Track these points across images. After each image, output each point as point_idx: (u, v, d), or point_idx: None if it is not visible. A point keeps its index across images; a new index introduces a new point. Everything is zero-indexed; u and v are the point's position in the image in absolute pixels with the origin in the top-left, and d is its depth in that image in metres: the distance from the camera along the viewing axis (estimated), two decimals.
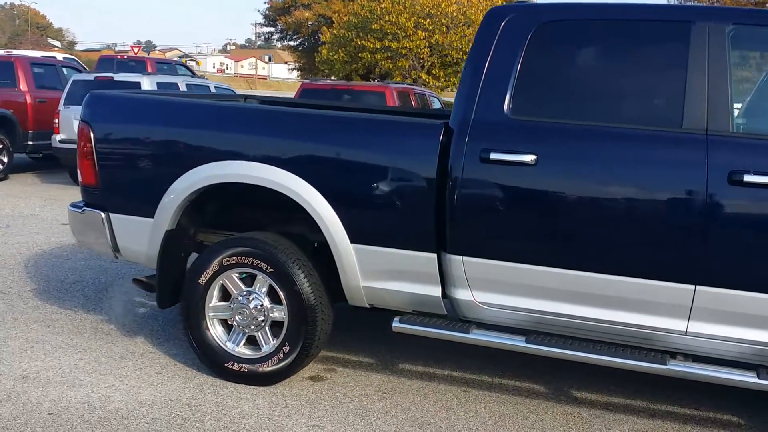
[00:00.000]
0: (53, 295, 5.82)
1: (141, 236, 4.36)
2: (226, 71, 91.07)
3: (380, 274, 3.93)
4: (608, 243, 3.51)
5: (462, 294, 3.80)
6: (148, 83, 11.99)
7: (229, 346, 4.22)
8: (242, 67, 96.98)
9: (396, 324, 3.92)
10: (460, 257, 3.75)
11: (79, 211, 4.53)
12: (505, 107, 3.68)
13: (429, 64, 27.40)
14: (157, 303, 4.45)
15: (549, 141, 3.60)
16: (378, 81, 22.86)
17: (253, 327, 4.18)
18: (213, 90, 14.24)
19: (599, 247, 3.53)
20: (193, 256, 4.54)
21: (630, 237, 3.47)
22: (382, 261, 3.90)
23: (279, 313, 4.13)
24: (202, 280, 4.21)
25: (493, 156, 3.61)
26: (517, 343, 3.72)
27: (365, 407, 3.97)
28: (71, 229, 4.66)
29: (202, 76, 21.78)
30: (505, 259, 3.68)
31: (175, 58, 39.98)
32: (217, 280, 4.20)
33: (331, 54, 28.83)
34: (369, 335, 4.96)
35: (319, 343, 4.13)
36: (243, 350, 4.22)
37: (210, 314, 4.25)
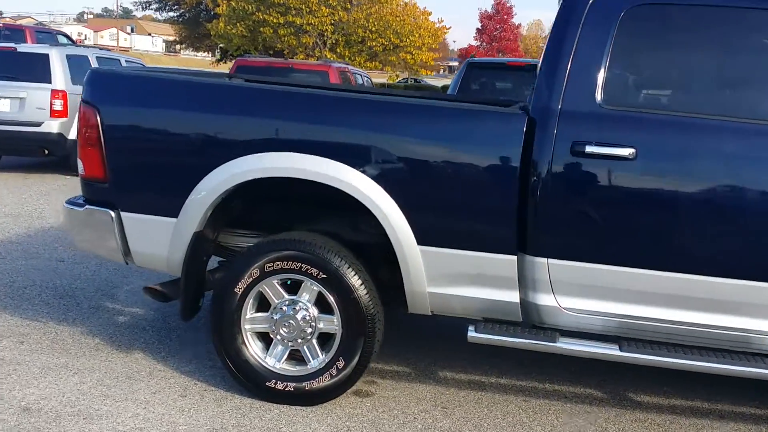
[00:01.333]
0: (6, 303, 5.15)
1: (160, 239, 3.82)
2: (85, 42, 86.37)
3: (450, 278, 3.60)
4: (714, 244, 3.35)
5: (544, 299, 3.54)
6: (57, 56, 10.98)
7: (270, 363, 3.77)
8: (102, 37, 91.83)
9: (472, 334, 3.59)
10: (544, 259, 3.47)
11: (80, 209, 3.94)
12: (597, 96, 3.44)
13: (333, 41, 26.94)
14: (180, 315, 3.92)
15: (649, 134, 3.39)
16: (320, 59, 22.12)
17: (300, 340, 3.76)
18: (124, 64, 13.31)
19: (704, 249, 3.36)
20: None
21: (738, 237, 3.36)
22: (454, 264, 3.57)
23: (329, 324, 3.73)
24: (239, 288, 3.73)
25: (589, 149, 3.35)
26: (611, 351, 3.50)
27: (434, 426, 3.64)
28: (68, 229, 4.06)
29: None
30: (596, 261, 3.43)
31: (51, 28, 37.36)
32: (255, 288, 3.74)
33: (228, 28, 27.76)
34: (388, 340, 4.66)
35: (374, 356, 3.80)
36: (286, 367, 3.79)
37: (247, 327, 3.79)
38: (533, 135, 3.44)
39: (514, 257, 3.51)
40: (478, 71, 10.14)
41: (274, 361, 3.79)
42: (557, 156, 3.39)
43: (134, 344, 4.50)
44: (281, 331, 3.75)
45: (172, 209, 3.75)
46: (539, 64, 3.59)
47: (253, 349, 3.79)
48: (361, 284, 3.65)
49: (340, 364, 3.71)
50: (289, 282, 3.75)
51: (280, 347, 3.80)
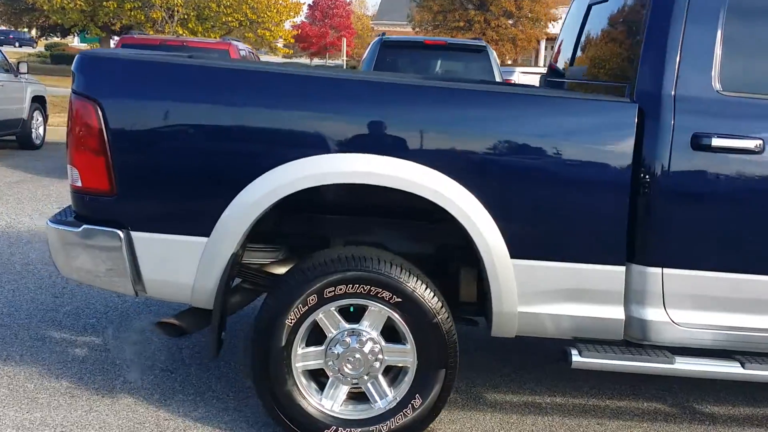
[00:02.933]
0: None
1: (184, 263, 3.08)
2: None
3: (545, 296, 3.12)
4: None
5: (653, 314, 3.13)
6: None
7: (327, 406, 3.17)
8: None
9: (577, 359, 3.13)
10: (659, 270, 3.08)
11: (75, 229, 3.13)
12: (714, 82, 3.10)
13: (183, 16, 25.58)
14: (211, 351, 3.25)
15: None
16: (223, 38, 20.69)
17: (366, 377, 3.17)
18: None
19: None
20: None
21: None
22: (551, 280, 3.10)
23: (400, 356, 3.16)
24: (291, 320, 3.08)
25: (714, 142, 3.01)
26: (732, 369, 3.19)
27: None
28: (54, 255, 3.25)
29: None
30: (716, 269, 3.09)
31: None
32: (310, 317, 3.11)
33: (65, 2, 25.67)
34: None
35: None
36: (347, 410, 3.20)
37: (298, 365, 3.16)
38: (643, 127, 3.06)
39: (623, 268, 3.11)
40: (392, 50, 9.65)
41: (331, 403, 3.18)
42: (676, 150, 3.01)
43: (114, 386, 3.73)
44: (345, 368, 3.14)
45: (202, 226, 3.04)
46: (641, 42, 3.17)
47: (307, 391, 3.19)
48: (441, 307, 3.13)
49: (417, 402, 3.16)
50: (352, 309, 3.19)
51: (338, 387, 3.22)
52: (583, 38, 4.04)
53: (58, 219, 3.19)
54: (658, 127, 3.01)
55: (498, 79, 8.55)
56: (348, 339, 3.12)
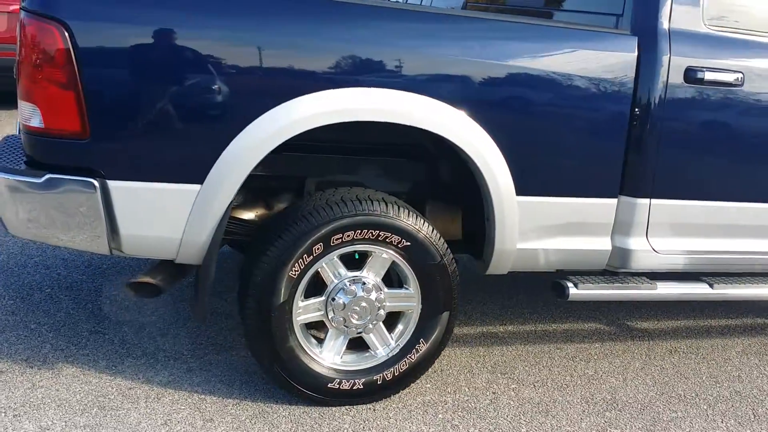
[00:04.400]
0: None
1: (172, 215, 2.70)
2: None
3: (542, 231, 3.14)
4: None
5: (637, 243, 3.25)
6: None
7: (328, 360, 2.99)
8: None
9: (574, 291, 3.20)
10: (647, 200, 3.21)
11: (36, 180, 2.61)
12: (702, 18, 3.18)
13: None
14: (196, 315, 2.88)
15: (754, 58, 3.25)
16: None
17: (371, 326, 3.05)
18: None
19: None
20: None
21: None
22: (550, 215, 3.11)
23: (404, 301, 3.05)
24: (295, 271, 2.83)
25: (706, 75, 3.11)
26: (705, 290, 3.42)
27: (519, 397, 3.31)
28: (5, 213, 2.68)
29: None
30: (697, 198, 3.27)
31: None
32: (313, 268, 2.89)
33: None
34: None
35: None
36: (348, 360, 3.05)
37: (299, 319, 2.95)
38: (640, 61, 3.11)
39: (615, 201, 3.21)
40: None
41: (332, 356, 3.02)
42: (671, 84, 3.10)
43: (45, 355, 3.22)
44: (352, 318, 2.99)
45: (194, 172, 2.67)
46: None
47: (307, 346, 2.98)
48: (447, 248, 3.05)
49: (421, 346, 3.08)
50: (357, 256, 3.01)
51: (338, 338, 3.04)
52: None
53: (10, 168, 2.66)
54: (656, 61, 3.08)
55: None
56: (354, 287, 2.96)
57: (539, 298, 4.32)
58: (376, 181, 3.27)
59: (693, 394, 3.41)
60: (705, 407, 3.31)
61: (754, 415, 3.28)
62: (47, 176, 2.58)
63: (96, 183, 2.60)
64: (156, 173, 2.67)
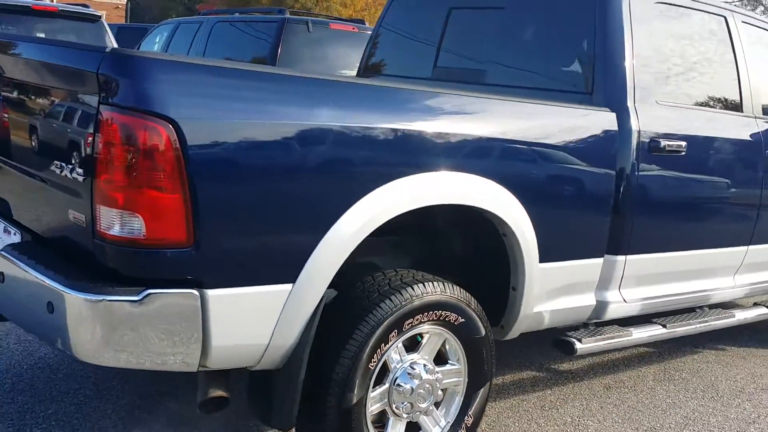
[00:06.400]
0: None
1: (263, 319, 2.54)
2: None
3: (548, 294, 3.41)
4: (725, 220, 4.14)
5: (612, 296, 3.66)
6: None
7: None
8: None
9: (580, 346, 3.54)
10: (623, 257, 3.63)
11: (134, 297, 2.29)
12: (653, 92, 3.70)
13: None
14: (279, 423, 2.70)
15: (693, 128, 3.88)
16: None
17: (431, 407, 3.06)
18: None
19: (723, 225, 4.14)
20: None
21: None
22: (558, 278, 3.41)
23: (455, 377, 3.13)
24: (373, 362, 2.79)
25: (664, 143, 3.59)
26: (661, 331, 3.93)
27: None
28: (78, 337, 2.24)
29: None
30: (661, 250, 3.79)
31: None
32: (384, 357, 2.87)
33: None
34: None
35: None
36: None
37: (370, 412, 2.89)
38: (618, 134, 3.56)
39: (602, 259, 3.61)
40: None
41: None
42: (641, 152, 3.58)
43: None
44: (418, 403, 2.99)
45: (286, 271, 2.55)
46: (598, 57, 3.62)
47: None
48: (484, 321, 3.20)
49: (469, 420, 3.20)
50: (419, 338, 3.01)
51: (396, 426, 3.03)
52: (453, 43, 4.35)
53: (88, 286, 2.31)
54: (628, 134, 3.57)
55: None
56: (418, 371, 2.99)
57: None
58: (381, 259, 3.35)
59: (657, 425, 3.93)
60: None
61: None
62: (147, 292, 2.33)
63: (197, 294, 2.41)
64: (252, 276, 2.51)
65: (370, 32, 8.90)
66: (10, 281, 2.60)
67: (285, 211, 2.54)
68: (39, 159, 2.74)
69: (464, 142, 2.98)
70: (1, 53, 2.93)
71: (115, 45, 8.25)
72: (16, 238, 2.87)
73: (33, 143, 2.77)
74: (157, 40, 10.77)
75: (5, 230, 2.98)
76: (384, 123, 2.75)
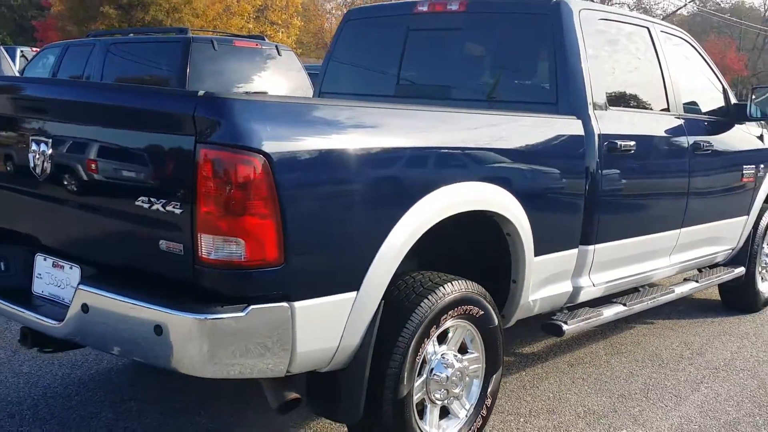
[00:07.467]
0: None
1: (335, 324, 2.87)
2: None
3: (539, 284, 3.90)
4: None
5: (584, 281, 4.20)
6: None
7: None
8: None
9: (567, 328, 4.04)
10: (592, 246, 4.14)
11: (241, 314, 2.54)
12: (603, 97, 4.25)
13: None
14: (348, 418, 2.98)
15: (639, 129, 4.46)
16: None
17: (462, 392, 3.47)
18: None
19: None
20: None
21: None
22: (547, 269, 3.90)
23: (476, 364, 3.54)
24: (419, 356, 3.17)
25: (619, 143, 4.15)
26: (622, 308, 4.52)
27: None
28: (200, 354, 2.45)
29: None
30: (622, 237, 4.36)
31: None
32: (424, 350, 3.24)
33: None
34: None
35: None
36: (445, 426, 3.44)
37: (414, 401, 3.25)
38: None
39: (577, 250, 4.12)
40: None
41: (431, 429, 3.38)
42: (602, 153, 4.11)
43: None
44: (453, 389, 3.39)
45: (353, 281, 2.90)
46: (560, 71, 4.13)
47: (421, 424, 3.30)
48: (495, 311, 3.63)
49: (489, 401, 3.60)
50: (449, 332, 3.40)
51: (432, 411, 3.40)
52: (414, 62, 4.76)
53: (196, 307, 2.55)
54: (591, 136, 4.09)
55: None
56: (450, 360, 3.38)
57: None
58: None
59: (625, 392, 4.50)
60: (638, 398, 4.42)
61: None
62: (250, 308, 2.61)
63: (288, 306, 2.70)
64: (327, 287, 2.83)
65: (272, 48, 9.39)
66: (97, 311, 2.79)
67: (352, 228, 2.90)
68: (115, 197, 2.96)
69: (483, 155, 3.45)
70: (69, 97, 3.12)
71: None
72: (74, 272, 3.05)
73: (107, 182, 2.97)
74: (41, 65, 10.58)
75: (54, 265, 3.15)
76: (432, 143, 3.19)
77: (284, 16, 39.05)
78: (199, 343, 2.59)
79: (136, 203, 2.75)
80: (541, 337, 5.26)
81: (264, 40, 9.77)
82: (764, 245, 6.22)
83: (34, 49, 18.47)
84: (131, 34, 9.99)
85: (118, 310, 2.73)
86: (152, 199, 2.71)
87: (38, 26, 33.31)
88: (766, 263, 6.34)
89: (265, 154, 2.58)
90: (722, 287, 6.20)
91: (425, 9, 4.75)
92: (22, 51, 16.55)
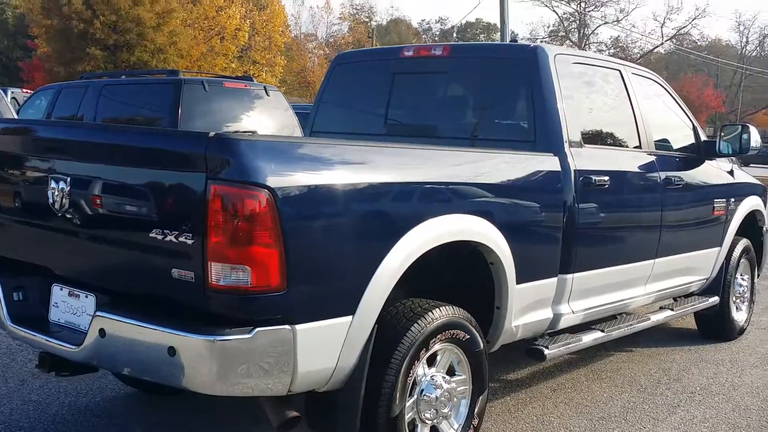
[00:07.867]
0: None
1: (332, 347, 3.12)
2: None
3: (521, 310, 4.16)
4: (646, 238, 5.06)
5: (563, 308, 4.47)
6: None
7: None
8: None
9: (549, 352, 4.31)
10: (571, 275, 4.43)
11: (247, 335, 2.79)
12: (578, 135, 4.57)
13: None
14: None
15: (613, 166, 4.76)
16: None
17: (450, 412, 3.70)
18: None
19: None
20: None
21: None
22: (528, 296, 4.17)
23: (463, 386, 3.78)
24: (410, 377, 3.42)
25: (594, 179, 4.47)
26: (600, 335, 4.78)
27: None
28: (208, 375, 2.69)
29: None
30: (598, 267, 4.65)
31: None
32: (415, 371, 3.48)
33: None
34: None
35: None
36: None
37: (407, 418, 3.49)
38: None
39: (556, 278, 4.39)
40: None
41: None
42: (578, 188, 4.41)
43: None
44: (442, 409, 3.63)
45: (349, 305, 3.16)
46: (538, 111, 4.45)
47: None
48: (482, 336, 3.88)
49: (476, 421, 3.84)
50: (438, 356, 3.65)
51: (425, 430, 3.64)
52: (401, 102, 5.08)
53: (206, 330, 2.80)
54: (569, 173, 4.40)
55: None
56: (439, 382, 3.62)
57: None
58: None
59: (605, 414, 4.75)
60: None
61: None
62: (256, 330, 2.86)
63: (290, 329, 2.96)
64: (325, 311, 3.09)
65: (260, 88, 9.71)
66: (113, 336, 3.03)
67: (348, 257, 3.17)
68: (131, 230, 3.22)
69: (467, 190, 3.74)
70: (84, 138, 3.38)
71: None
72: (89, 300, 3.30)
73: (123, 216, 3.23)
74: (36, 104, 10.85)
75: (71, 294, 3.39)
76: (419, 179, 3.49)
77: (268, 55, 39.58)
78: (209, 363, 2.85)
79: (151, 235, 3.01)
80: (525, 364, 5.52)
81: (252, 80, 10.10)
82: (737, 275, 6.53)
83: (25, 90, 18.76)
84: (123, 76, 10.28)
85: (134, 334, 2.98)
86: (166, 231, 2.97)
87: (25, 67, 33.66)
88: (739, 293, 6.65)
89: (270, 189, 2.86)
90: (698, 316, 6.49)
91: (411, 54, 5.09)
92: (12, 92, 16.83)
